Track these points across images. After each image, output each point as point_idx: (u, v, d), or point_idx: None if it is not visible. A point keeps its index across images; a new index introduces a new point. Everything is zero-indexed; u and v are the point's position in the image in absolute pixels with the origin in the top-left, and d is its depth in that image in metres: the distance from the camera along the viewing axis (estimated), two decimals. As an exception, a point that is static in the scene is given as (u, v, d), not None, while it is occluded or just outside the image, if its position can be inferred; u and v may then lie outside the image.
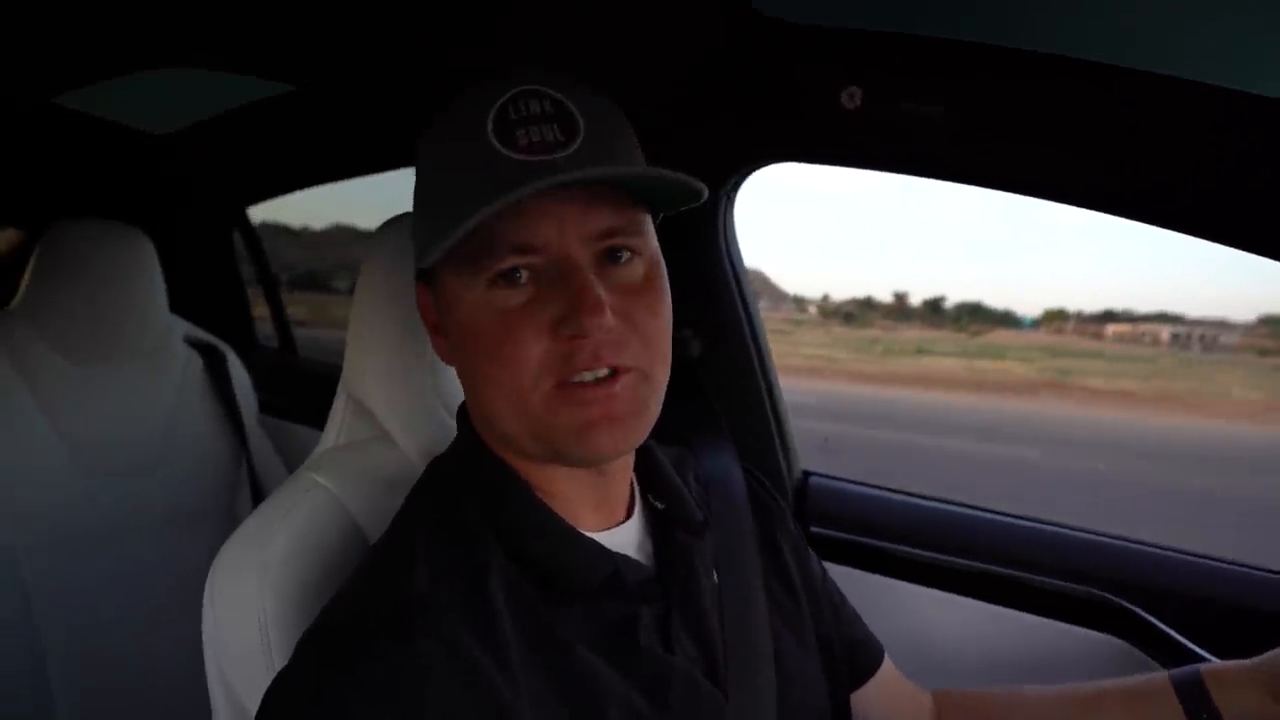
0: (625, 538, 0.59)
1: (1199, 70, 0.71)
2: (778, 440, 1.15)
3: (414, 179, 0.57)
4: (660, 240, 0.58)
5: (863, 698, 0.73)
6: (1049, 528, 0.99)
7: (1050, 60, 0.76)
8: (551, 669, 0.50)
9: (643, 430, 0.53)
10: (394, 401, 0.70)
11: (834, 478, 1.17)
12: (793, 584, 0.69)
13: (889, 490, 1.12)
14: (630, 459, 0.60)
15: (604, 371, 0.50)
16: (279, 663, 0.54)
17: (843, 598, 0.76)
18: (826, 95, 0.88)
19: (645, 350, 0.52)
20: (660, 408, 0.55)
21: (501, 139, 0.49)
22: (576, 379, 0.49)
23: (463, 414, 0.61)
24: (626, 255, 0.52)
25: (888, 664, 0.76)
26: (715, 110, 1.01)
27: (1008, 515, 1.03)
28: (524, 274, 0.50)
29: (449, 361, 0.58)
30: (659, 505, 0.62)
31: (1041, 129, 0.79)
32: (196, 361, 1.51)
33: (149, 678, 1.21)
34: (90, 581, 1.28)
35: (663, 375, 0.54)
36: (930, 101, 0.83)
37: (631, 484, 0.62)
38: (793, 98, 0.92)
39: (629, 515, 0.60)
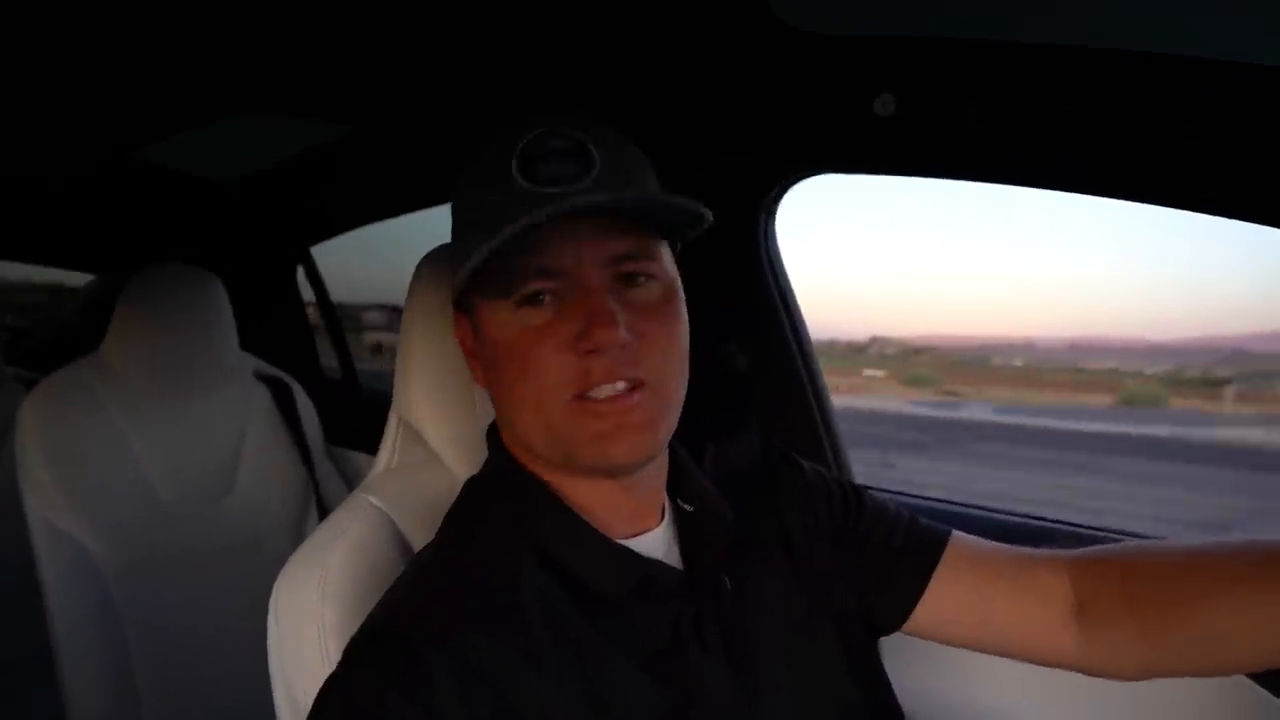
0: (656, 543, 0.60)
1: (1246, 50, 0.68)
2: (830, 456, 1.14)
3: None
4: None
5: (941, 591, 0.65)
6: (1125, 539, 0.94)
7: (1086, 52, 0.74)
8: (580, 673, 0.52)
9: (658, 442, 0.56)
10: (442, 425, 0.73)
11: (888, 491, 1.15)
12: (803, 571, 0.66)
13: (947, 502, 1.09)
14: (662, 467, 0.61)
15: (621, 385, 0.52)
16: None
17: (879, 518, 0.68)
18: (859, 104, 0.88)
19: (661, 365, 0.55)
20: (676, 421, 0.57)
21: (525, 174, 0.53)
22: (595, 394, 0.52)
23: (493, 433, 0.64)
24: (643, 279, 0.55)
25: (959, 546, 0.67)
26: (749, 127, 1.02)
27: (1081, 526, 0.98)
28: (546, 296, 0.53)
29: (482, 384, 0.61)
30: (687, 508, 0.63)
31: (1082, 123, 0.77)
32: (266, 395, 1.59)
33: (223, 687, 1.27)
34: (171, 600, 1.36)
35: (678, 391, 0.57)
36: (967, 104, 0.83)
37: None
38: (825, 108, 0.93)
39: (661, 519, 0.62)
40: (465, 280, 0.52)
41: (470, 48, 1.00)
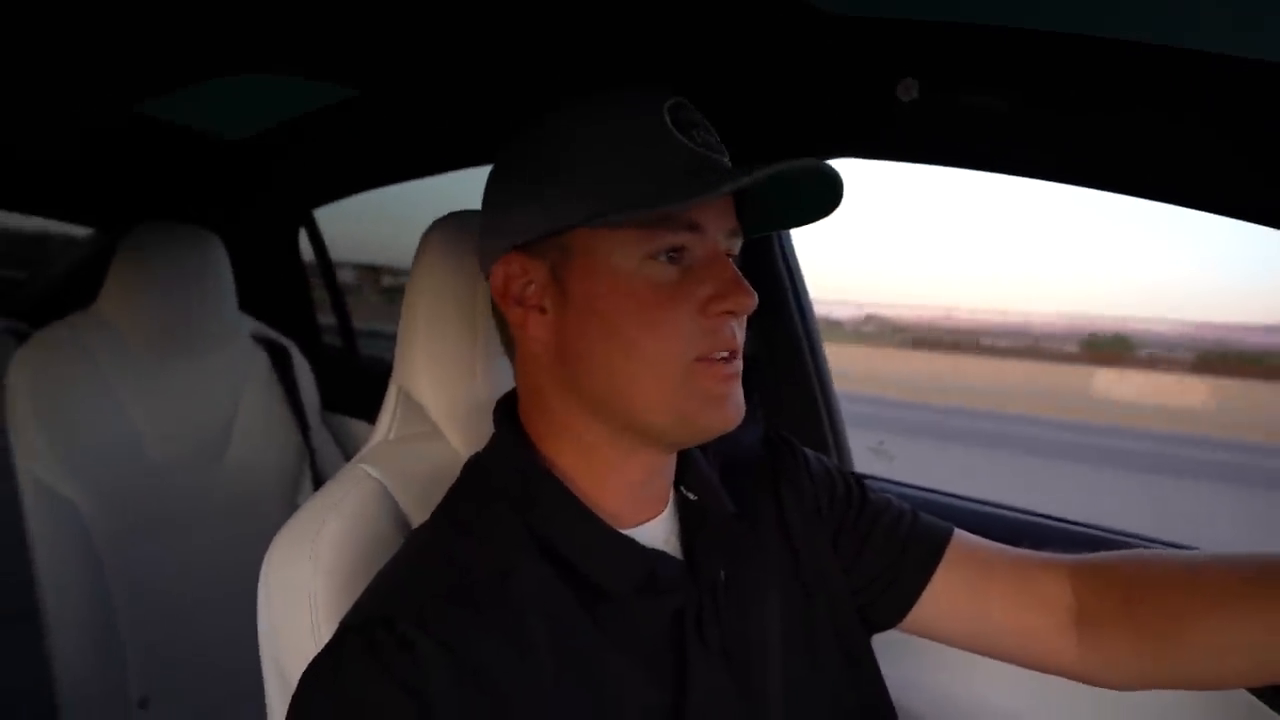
0: (659, 531, 0.59)
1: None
2: (831, 444, 1.13)
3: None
4: None
5: (941, 590, 0.65)
6: (1124, 539, 0.93)
7: (1117, 46, 0.72)
8: (577, 668, 0.51)
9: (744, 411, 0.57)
10: (443, 396, 0.72)
11: (888, 481, 1.14)
12: (802, 563, 0.65)
13: (946, 494, 1.08)
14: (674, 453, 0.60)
15: (726, 353, 0.54)
16: None
17: (881, 512, 0.68)
18: (882, 89, 0.86)
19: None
20: None
21: (683, 134, 0.54)
22: (717, 355, 0.54)
23: (504, 410, 0.62)
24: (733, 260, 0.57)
25: (960, 544, 0.66)
26: (765, 109, 1.00)
27: (1079, 524, 0.97)
28: (683, 255, 0.54)
29: (542, 338, 0.56)
30: (691, 497, 0.62)
31: (1117, 118, 0.75)
32: (263, 358, 1.57)
33: (211, 652, 1.27)
34: (160, 563, 1.35)
35: None
36: (991, 93, 0.81)
37: None
38: (847, 92, 0.90)
39: (664, 506, 0.61)
40: (587, 220, 0.52)
41: (486, 18, 0.97)
